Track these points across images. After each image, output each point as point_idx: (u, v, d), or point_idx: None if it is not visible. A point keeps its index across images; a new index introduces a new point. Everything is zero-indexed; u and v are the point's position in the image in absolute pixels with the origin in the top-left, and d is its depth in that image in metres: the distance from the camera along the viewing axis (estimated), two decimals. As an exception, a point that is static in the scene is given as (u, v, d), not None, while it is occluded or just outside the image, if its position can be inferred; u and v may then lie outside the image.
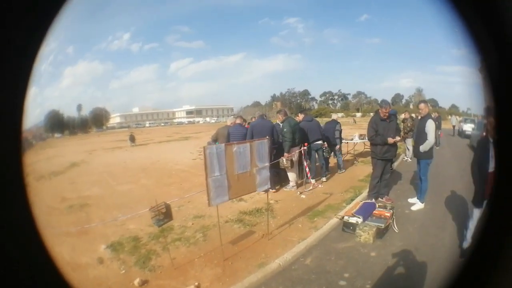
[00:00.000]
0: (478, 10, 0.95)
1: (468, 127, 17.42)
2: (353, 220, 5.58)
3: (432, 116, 7.03)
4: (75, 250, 5.12)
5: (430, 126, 6.27)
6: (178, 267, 4.54)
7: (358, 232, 5.29)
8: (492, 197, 1.01)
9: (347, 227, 5.58)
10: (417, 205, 6.60)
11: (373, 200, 6.63)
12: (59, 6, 0.89)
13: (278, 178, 8.67)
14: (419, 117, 6.86)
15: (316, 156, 9.29)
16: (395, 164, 10.16)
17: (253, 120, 9.01)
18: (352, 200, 7.17)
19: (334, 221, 5.95)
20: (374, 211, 5.91)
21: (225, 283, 4.12)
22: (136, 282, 4.16)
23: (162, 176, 11.19)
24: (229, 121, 8.96)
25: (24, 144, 0.89)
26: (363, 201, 6.54)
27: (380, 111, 6.72)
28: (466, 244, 4.19)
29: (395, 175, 9.14)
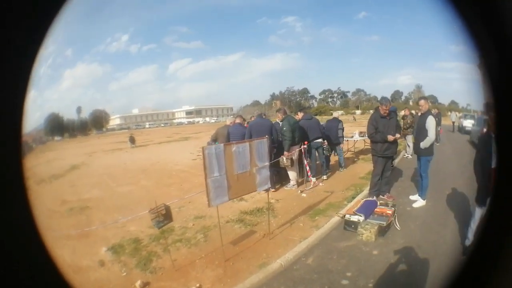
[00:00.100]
0: (478, 10, 0.94)
1: (468, 123, 17.38)
2: (354, 218, 5.55)
3: (432, 112, 7.00)
4: (76, 253, 5.12)
5: (430, 122, 6.24)
6: (179, 268, 4.52)
7: (360, 230, 5.27)
8: (493, 195, 1.00)
9: (348, 225, 5.55)
10: (418, 202, 6.57)
11: (375, 198, 6.61)
12: (59, 7, 0.89)
13: (279, 177, 8.65)
14: (419, 114, 6.83)
15: (316, 154, 9.25)
16: (395, 161, 10.12)
17: (252, 119, 8.98)
18: (353, 198, 7.15)
19: (335, 219, 5.93)
20: (375, 209, 5.88)
21: (227, 284, 4.10)
22: (138, 284, 4.15)
23: (162, 177, 11.17)
24: (228, 120, 8.93)
25: (24, 147, 0.89)
26: (365, 199, 6.52)
27: (380, 108, 6.67)
28: (468, 242, 4.16)
29: (395, 172, 9.12)
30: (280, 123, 8.18)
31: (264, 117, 8.91)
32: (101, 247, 5.35)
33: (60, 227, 6.54)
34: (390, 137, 6.48)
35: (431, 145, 6.36)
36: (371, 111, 11.54)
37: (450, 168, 9.06)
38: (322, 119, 11.37)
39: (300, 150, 8.30)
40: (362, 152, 13.11)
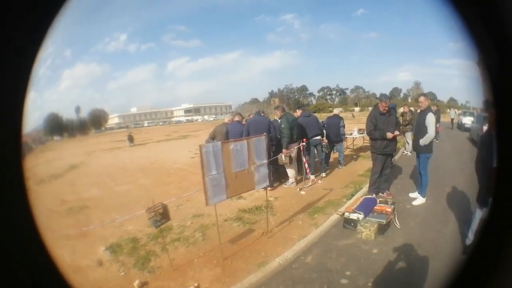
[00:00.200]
0: (478, 10, 0.95)
1: (468, 120, 17.31)
2: (354, 216, 5.52)
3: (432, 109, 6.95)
4: (75, 253, 5.08)
5: (430, 119, 6.17)
6: (177, 268, 4.50)
7: (359, 228, 5.23)
8: (494, 195, 1.00)
9: (348, 223, 5.52)
10: (418, 199, 6.53)
11: (374, 196, 6.57)
12: (58, 7, 0.90)
13: (277, 174, 8.62)
14: (419, 111, 6.78)
15: (315, 151, 9.21)
16: (395, 158, 10.09)
17: (251, 117, 8.94)
18: (353, 195, 7.11)
19: (334, 217, 5.90)
20: (375, 207, 5.84)
21: (225, 284, 4.08)
22: (136, 284, 4.13)
23: (160, 176, 11.14)
24: (226, 118, 8.91)
25: (24, 148, 0.90)
26: (364, 197, 6.48)
27: (379, 105, 6.61)
28: (469, 241, 4.12)
29: (395, 170, 9.06)
30: (279, 120, 8.14)
31: (262, 114, 8.87)
32: (99, 247, 5.33)
33: (59, 227, 6.50)
34: (389, 134, 6.43)
35: (431, 143, 6.30)
36: (370, 108, 11.52)
37: (449, 166, 9.02)
38: (321, 117, 11.33)
39: (299, 148, 8.26)
40: (361, 149, 13.08)
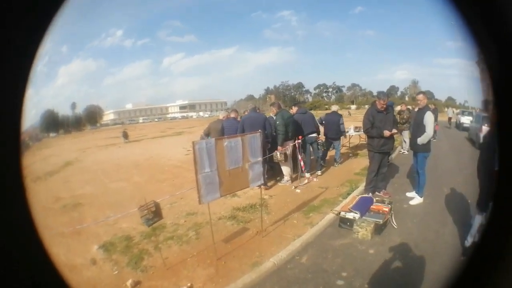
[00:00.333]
0: (478, 10, 0.95)
1: (466, 120, 17.30)
2: (350, 215, 5.44)
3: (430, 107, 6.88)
4: (70, 251, 5.02)
5: (428, 118, 6.08)
6: (170, 267, 4.44)
7: (355, 228, 5.17)
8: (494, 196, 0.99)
9: (344, 223, 5.44)
10: (415, 199, 6.47)
11: (370, 195, 6.50)
12: (58, 6, 0.90)
13: (272, 172, 8.54)
14: (417, 109, 6.70)
15: (311, 149, 9.13)
16: (392, 157, 10.04)
17: (246, 113, 8.86)
18: (349, 194, 7.04)
19: (330, 216, 5.84)
20: (371, 206, 5.77)
21: (218, 284, 4.01)
22: (129, 283, 4.08)
23: (155, 173, 11.10)
24: (221, 115, 8.81)
25: (22, 145, 0.90)
26: (360, 196, 6.40)
27: (377, 102, 6.54)
28: (467, 243, 4.06)
29: (392, 168, 9.01)
30: (274, 117, 8.05)
31: (258, 111, 8.78)
32: (93, 245, 5.28)
33: (54, 224, 6.43)
34: (387, 133, 6.35)
35: (429, 142, 6.22)
36: (367, 106, 11.48)
37: (447, 165, 9.00)
38: (317, 114, 11.28)
39: (294, 145, 8.19)
40: (358, 147, 13.06)
